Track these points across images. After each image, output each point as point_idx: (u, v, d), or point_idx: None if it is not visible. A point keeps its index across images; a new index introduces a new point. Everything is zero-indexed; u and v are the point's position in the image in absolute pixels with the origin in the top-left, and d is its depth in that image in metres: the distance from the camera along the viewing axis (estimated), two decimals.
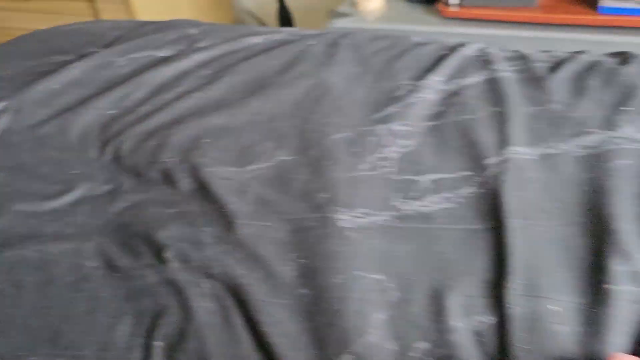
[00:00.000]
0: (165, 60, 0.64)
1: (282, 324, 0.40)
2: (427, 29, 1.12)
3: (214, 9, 1.61)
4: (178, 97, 0.58)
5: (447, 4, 1.14)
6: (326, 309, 0.39)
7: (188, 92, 0.59)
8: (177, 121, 0.55)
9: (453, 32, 1.11)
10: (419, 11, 1.19)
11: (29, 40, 0.75)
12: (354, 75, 0.59)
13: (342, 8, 1.20)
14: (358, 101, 0.56)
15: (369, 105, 0.56)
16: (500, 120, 0.53)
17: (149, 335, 0.40)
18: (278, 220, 0.46)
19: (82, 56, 0.69)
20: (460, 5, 1.15)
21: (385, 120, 0.54)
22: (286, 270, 0.42)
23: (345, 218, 0.45)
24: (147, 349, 0.39)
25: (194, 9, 1.57)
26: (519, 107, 0.54)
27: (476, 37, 0.85)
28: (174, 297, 0.41)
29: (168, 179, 0.51)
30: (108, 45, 0.70)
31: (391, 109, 0.55)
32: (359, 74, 0.59)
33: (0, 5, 1.59)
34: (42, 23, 1.53)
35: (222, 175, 0.50)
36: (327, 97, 0.56)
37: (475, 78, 0.60)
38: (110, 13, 1.41)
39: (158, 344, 0.39)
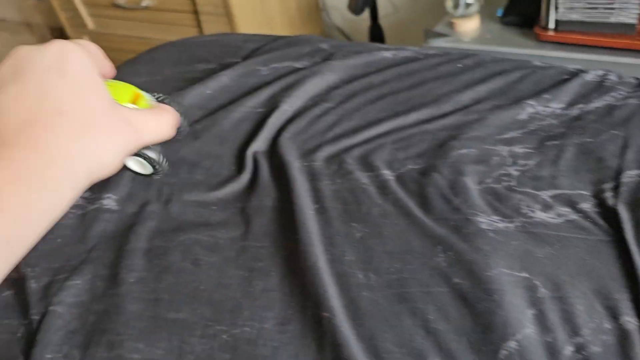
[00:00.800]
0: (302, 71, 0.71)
1: (444, 310, 0.44)
2: (523, 51, 1.16)
3: (305, 23, 1.70)
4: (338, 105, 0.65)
5: (545, 28, 1.17)
6: (485, 298, 0.44)
7: (341, 103, 0.65)
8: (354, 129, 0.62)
9: (549, 55, 1.14)
10: (514, 34, 1.22)
11: (172, 48, 0.84)
12: (484, 96, 0.64)
13: (438, 28, 1.25)
14: (485, 122, 0.61)
15: (494, 127, 0.60)
16: (621, 145, 0.57)
17: None
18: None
19: (224, 65, 0.76)
20: (557, 30, 1.17)
21: (508, 142, 0.58)
22: (439, 261, 0.47)
23: (484, 221, 0.50)
24: None
25: (285, 22, 1.65)
26: (638, 132, 0.58)
27: (572, 62, 0.88)
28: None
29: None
30: (246, 56, 0.78)
31: (513, 133, 0.60)
32: (488, 95, 0.64)
33: (109, 13, 1.72)
34: (148, 31, 1.66)
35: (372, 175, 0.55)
36: (461, 114, 0.61)
37: (596, 103, 0.64)
38: (213, 24, 1.51)
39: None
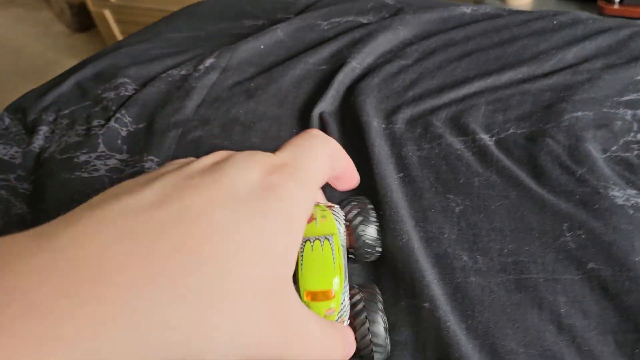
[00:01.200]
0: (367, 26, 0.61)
1: (579, 303, 0.35)
2: None
3: None
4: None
5: (609, 1, 1.07)
6: (634, 288, 0.34)
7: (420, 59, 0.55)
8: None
9: None
10: (573, 7, 1.12)
11: (216, 3, 0.75)
12: (592, 55, 0.54)
13: (489, 1, 1.15)
14: (598, 82, 0.51)
15: (611, 89, 0.51)
16: None
17: None
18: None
19: (274, 21, 0.67)
20: (622, 3, 1.07)
21: (630, 105, 0.49)
22: (566, 242, 0.38)
23: (619, 195, 0.40)
24: None
25: None
26: None
27: None
28: None
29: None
30: (300, 12, 0.69)
31: (634, 95, 0.50)
32: (597, 53, 0.54)
33: None
34: (174, 4, 1.57)
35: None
36: (568, 74, 0.51)
37: None
38: None
39: None
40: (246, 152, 0.23)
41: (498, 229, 0.40)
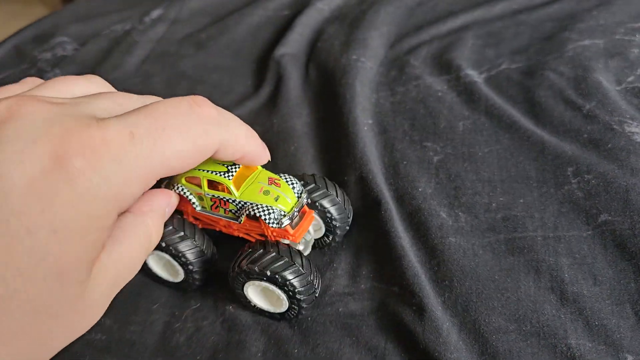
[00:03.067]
0: None
1: (587, 265, 0.27)
2: None
3: None
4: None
5: None
6: None
7: None
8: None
9: None
10: None
11: None
12: None
13: None
14: (610, 8, 0.42)
15: (624, 14, 0.42)
16: None
17: None
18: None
19: None
20: None
21: None
22: (571, 190, 0.30)
23: (638, 131, 0.32)
24: None
25: None
26: None
27: None
28: None
29: None
30: None
31: None
32: None
33: None
34: None
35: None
36: (572, 1, 0.43)
37: None
38: None
39: None
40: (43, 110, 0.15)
41: (486, 180, 0.32)
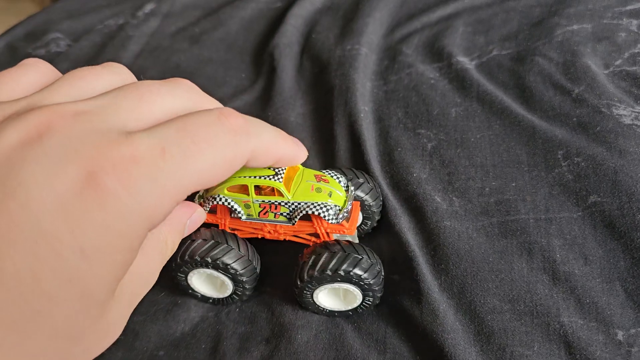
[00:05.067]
0: None
1: (578, 245, 0.28)
2: None
3: None
4: None
5: None
6: None
7: None
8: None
9: None
10: None
11: None
12: None
13: None
14: None
15: None
16: None
17: None
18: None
19: None
20: None
21: (636, 14, 0.41)
22: (562, 172, 0.31)
23: (625, 113, 0.33)
24: None
25: None
26: None
27: None
28: None
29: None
30: None
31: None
32: None
33: None
34: None
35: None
36: None
37: None
38: None
39: None
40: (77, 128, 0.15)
41: (479, 165, 0.33)
